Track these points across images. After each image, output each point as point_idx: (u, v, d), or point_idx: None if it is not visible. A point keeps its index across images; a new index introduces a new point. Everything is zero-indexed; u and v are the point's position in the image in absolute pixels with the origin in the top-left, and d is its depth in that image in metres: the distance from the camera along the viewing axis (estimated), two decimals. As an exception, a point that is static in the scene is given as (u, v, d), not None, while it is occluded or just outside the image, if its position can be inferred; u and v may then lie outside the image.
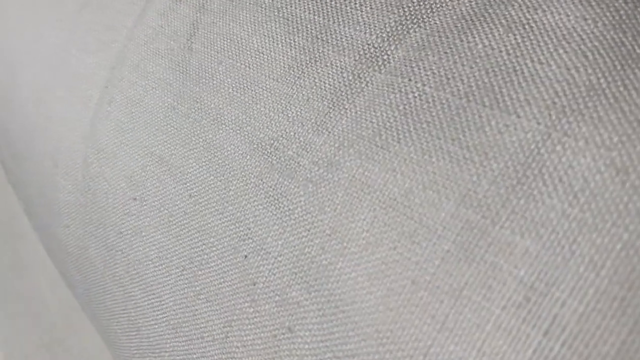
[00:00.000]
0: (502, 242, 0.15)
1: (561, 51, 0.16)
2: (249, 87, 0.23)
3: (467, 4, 0.19)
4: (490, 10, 0.19)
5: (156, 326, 0.25)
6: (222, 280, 0.21)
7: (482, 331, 0.14)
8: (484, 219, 0.15)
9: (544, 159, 0.15)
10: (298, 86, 0.21)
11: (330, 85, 0.20)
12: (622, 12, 0.17)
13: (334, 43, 0.21)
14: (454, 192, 0.16)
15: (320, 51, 0.21)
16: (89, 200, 0.30)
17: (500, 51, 0.17)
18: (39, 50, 0.35)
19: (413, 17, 0.20)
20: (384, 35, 0.20)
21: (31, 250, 0.54)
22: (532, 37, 0.17)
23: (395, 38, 0.20)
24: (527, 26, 0.18)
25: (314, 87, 0.21)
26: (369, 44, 0.20)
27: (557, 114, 0.15)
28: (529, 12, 0.18)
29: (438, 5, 0.20)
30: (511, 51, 0.17)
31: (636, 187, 0.14)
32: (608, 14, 0.17)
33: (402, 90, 0.19)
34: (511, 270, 0.14)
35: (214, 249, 0.22)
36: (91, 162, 0.30)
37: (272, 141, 0.21)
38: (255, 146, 0.21)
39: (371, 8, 0.21)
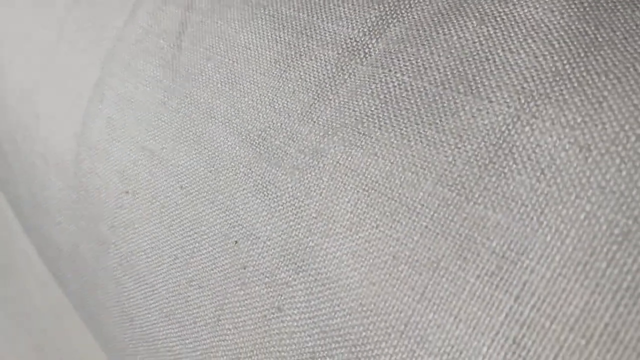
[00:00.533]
0: (475, 217, 0.16)
1: (530, 41, 0.18)
2: (237, 81, 0.24)
3: (443, -1, 0.20)
4: (464, 5, 0.20)
5: (149, 315, 0.26)
6: (213, 266, 0.22)
7: (459, 299, 0.15)
8: (459, 196, 0.16)
9: (513, 139, 0.16)
10: (284, 79, 0.22)
11: (315, 78, 0.21)
12: (585, 4, 0.18)
13: (318, 38, 0.22)
14: (431, 172, 0.17)
15: (305, 46, 0.22)
16: (81, 196, 0.31)
17: (474, 42, 0.19)
18: (29, 49, 0.35)
19: (393, 12, 0.21)
20: (365, 29, 0.21)
21: (21, 252, 0.54)
22: (503, 28, 0.18)
23: (376, 32, 0.21)
24: (499, 18, 0.19)
25: (300, 80, 0.22)
26: (351, 38, 0.21)
27: (525, 97, 0.16)
28: (500, 5, 0.19)
29: (416, 1, 0.21)
30: (484, 42, 0.18)
31: (597, 162, 0.15)
32: (573, 6, 0.18)
33: (383, 80, 0.20)
34: (484, 242, 0.15)
35: (205, 236, 0.23)
36: (83, 158, 0.30)
37: (260, 132, 0.22)
38: (243, 137, 0.22)
39: (353, 4, 0.22)
